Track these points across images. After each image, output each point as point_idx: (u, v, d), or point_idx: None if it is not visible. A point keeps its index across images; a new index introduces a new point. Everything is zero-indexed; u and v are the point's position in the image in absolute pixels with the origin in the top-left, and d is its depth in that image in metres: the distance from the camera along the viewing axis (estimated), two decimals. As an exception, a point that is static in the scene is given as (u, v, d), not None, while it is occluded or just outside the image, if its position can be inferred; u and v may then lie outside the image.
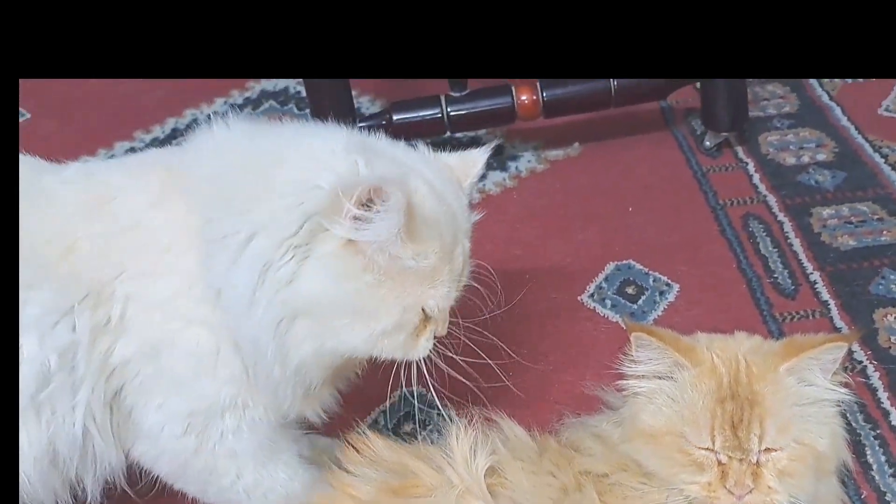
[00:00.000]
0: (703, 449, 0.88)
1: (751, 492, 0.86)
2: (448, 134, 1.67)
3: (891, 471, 1.07)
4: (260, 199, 0.83)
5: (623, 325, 1.04)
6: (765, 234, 1.47)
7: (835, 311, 1.31)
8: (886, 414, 1.14)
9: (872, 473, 1.07)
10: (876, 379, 1.19)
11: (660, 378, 0.91)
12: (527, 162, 1.70)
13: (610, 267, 1.44)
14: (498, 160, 1.70)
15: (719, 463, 0.87)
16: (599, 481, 0.91)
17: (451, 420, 1.01)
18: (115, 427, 0.91)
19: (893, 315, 1.29)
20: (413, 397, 1.24)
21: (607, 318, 1.35)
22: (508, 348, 1.30)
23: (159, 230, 0.88)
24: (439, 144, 1.74)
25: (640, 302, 1.37)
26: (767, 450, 0.87)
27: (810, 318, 1.30)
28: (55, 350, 0.84)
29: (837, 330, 1.27)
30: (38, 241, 0.85)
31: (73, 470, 0.90)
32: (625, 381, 0.93)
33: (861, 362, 1.22)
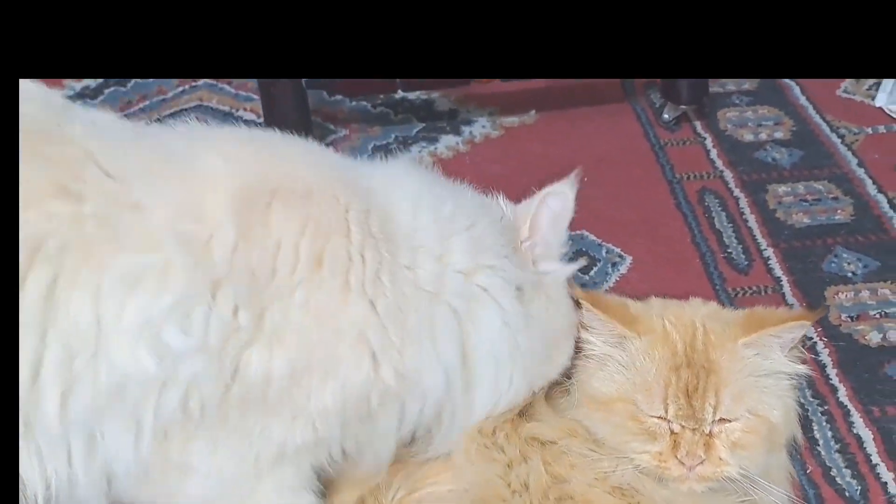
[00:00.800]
0: (655, 417, 0.85)
1: (702, 462, 0.84)
2: (400, 93, 1.62)
3: (837, 446, 1.06)
4: None
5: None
6: (720, 208, 1.44)
7: (787, 288, 1.29)
8: (834, 390, 1.12)
9: (819, 448, 1.06)
10: (825, 356, 1.17)
11: (610, 346, 0.89)
12: (481, 127, 1.65)
13: (563, 236, 1.40)
14: (451, 124, 1.65)
15: (671, 432, 0.85)
16: (547, 449, 0.88)
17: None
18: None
19: (844, 293, 1.27)
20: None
21: (558, 287, 1.31)
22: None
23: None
24: (391, 105, 1.70)
25: (591, 273, 1.33)
26: (721, 420, 0.85)
27: (763, 293, 1.29)
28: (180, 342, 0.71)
29: (789, 307, 1.26)
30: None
31: None
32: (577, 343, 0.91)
33: (811, 338, 1.20)
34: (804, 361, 0.90)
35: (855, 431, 1.07)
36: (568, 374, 0.93)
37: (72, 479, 0.72)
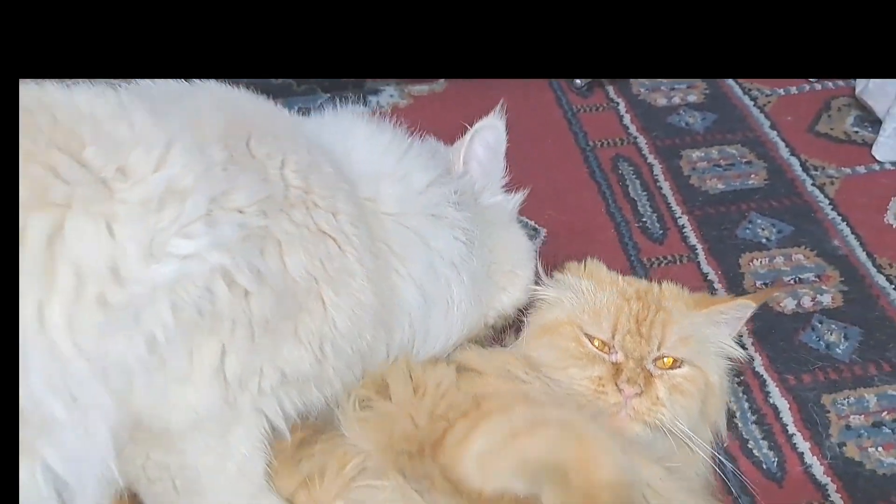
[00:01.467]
0: (599, 340, 0.87)
1: (639, 395, 0.84)
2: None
3: (753, 417, 1.04)
4: None
5: None
6: (634, 176, 1.41)
7: (702, 256, 1.26)
8: (750, 360, 1.10)
9: (735, 421, 1.03)
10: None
11: (564, 289, 0.94)
12: (388, 97, 1.57)
13: (474, 210, 1.34)
14: (357, 94, 1.57)
15: (614, 363, 0.86)
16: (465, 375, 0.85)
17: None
18: None
19: (759, 259, 1.25)
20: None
21: (470, 263, 1.26)
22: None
23: None
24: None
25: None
26: (663, 363, 0.87)
27: (678, 262, 1.26)
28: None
29: (704, 275, 1.23)
30: None
31: None
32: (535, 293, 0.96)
33: (726, 307, 1.18)
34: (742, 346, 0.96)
35: (771, 401, 1.06)
36: (522, 311, 0.96)
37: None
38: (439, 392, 0.81)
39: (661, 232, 1.31)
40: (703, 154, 1.45)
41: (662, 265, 1.25)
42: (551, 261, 1.21)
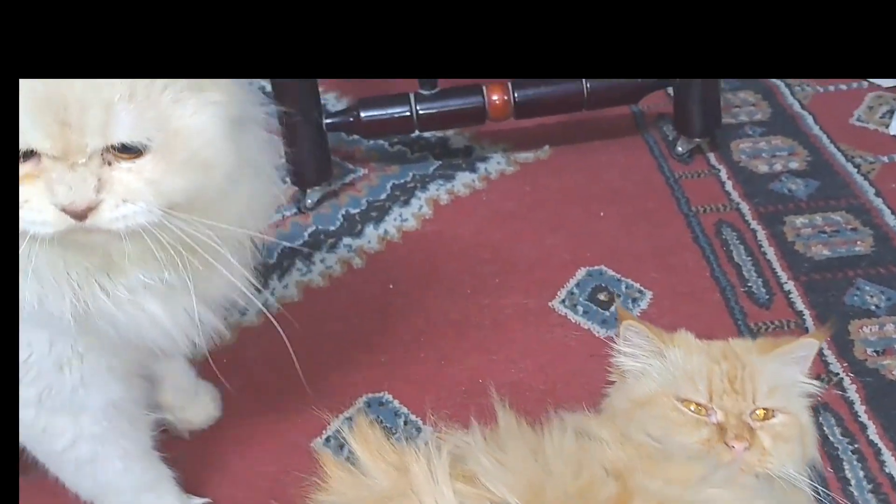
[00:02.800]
0: (698, 405, 0.91)
1: (748, 448, 0.88)
2: (416, 133, 1.62)
3: (869, 486, 1.05)
4: None
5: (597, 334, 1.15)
6: (738, 241, 1.44)
7: (809, 322, 1.28)
8: (864, 428, 1.11)
9: (851, 489, 1.04)
10: (853, 392, 1.16)
11: (649, 357, 0.97)
12: (496, 164, 1.65)
13: (581, 272, 1.40)
14: (467, 161, 1.65)
15: (716, 423, 0.90)
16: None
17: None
18: None
19: (869, 326, 1.27)
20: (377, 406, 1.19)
21: (578, 324, 1.31)
22: (477, 355, 1.26)
23: None
24: (407, 143, 1.71)
25: (612, 309, 1.33)
26: (758, 415, 0.91)
27: (785, 328, 1.28)
28: None
29: (812, 341, 1.25)
30: None
31: None
32: (614, 363, 1.00)
33: (837, 374, 1.19)
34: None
35: (887, 471, 1.06)
36: None
37: None
38: (566, 455, 0.84)
39: (767, 297, 1.33)
40: (806, 220, 1.47)
41: (770, 330, 1.27)
42: (658, 324, 1.26)
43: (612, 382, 1.03)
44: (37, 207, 0.66)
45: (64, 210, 0.66)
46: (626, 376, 0.99)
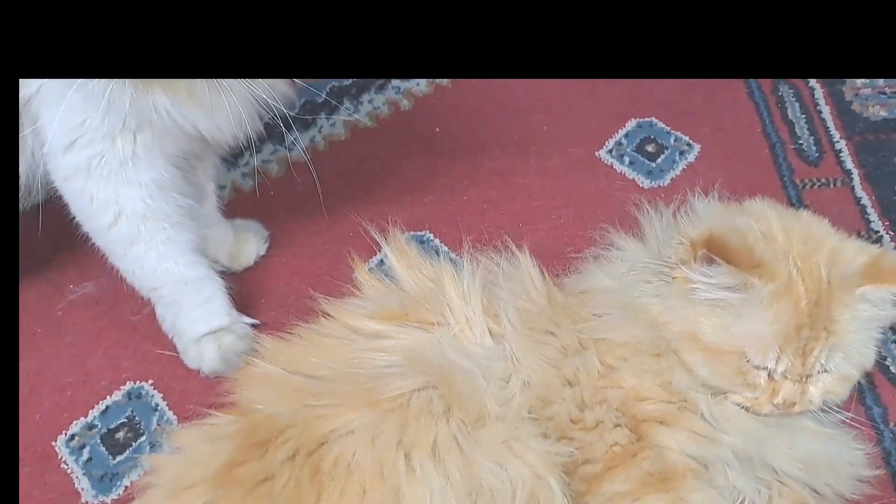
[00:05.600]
0: (761, 369, 0.83)
1: (794, 406, 0.84)
2: None
3: (893, 336, 1.08)
4: None
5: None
6: (794, 99, 1.42)
7: (857, 181, 1.28)
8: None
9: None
10: (891, 250, 1.18)
11: (729, 290, 0.81)
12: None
13: (631, 124, 1.40)
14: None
15: (771, 379, 0.83)
16: (609, 345, 0.88)
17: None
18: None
19: (917, 188, 1.26)
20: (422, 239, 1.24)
21: (623, 174, 1.33)
22: (521, 200, 1.30)
23: None
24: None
25: (658, 161, 1.34)
26: (823, 370, 0.84)
27: (831, 186, 1.28)
28: None
29: (857, 200, 1.25)
30: None
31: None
32: (686, 284, 0.83)
33: (878, 232, 1.20)
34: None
35: (915, 326, 1.09)
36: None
37: None
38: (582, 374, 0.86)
39: (816, 155, 1.33)
40: (867, 81, 1.43)
41: (815, 188, 1.28)
42: (708, 183, 1.25)
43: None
44: None
45: None
46: (700, 304, 0.83)
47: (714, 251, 0.79)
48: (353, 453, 0.80)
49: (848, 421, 0.90)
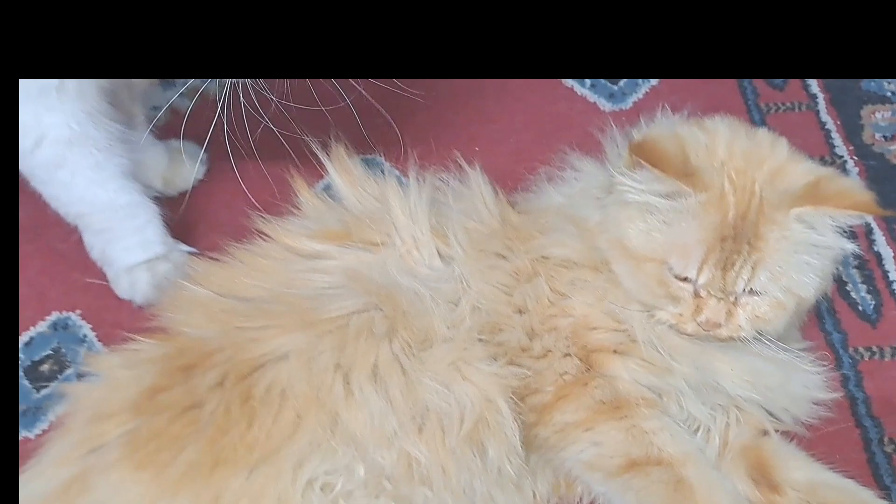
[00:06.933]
0: (682, 280, 0.79)
1: (719, 327, 0.80)
2: None
3: (855, 262, 1.05)
4: None
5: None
6: (760, 21, 1.36)
7: (822, 106, 1.24)
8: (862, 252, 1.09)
9: (837, 265, 1.05)
10: (854, 175, 1.15)
11: (659, 196, 0.78)
12: None
13: (592, 46, 1.34)
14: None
15: (696, 295, 0.79)
16: (556, 268, 0.85)
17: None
18: None
19: (881, 112, 1.22)
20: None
21: (585, 97, 1.27)
22: (479, 124, 1.24)
23: None
24: None
25: (621, 84, 1.29)
26: (751, 292, 0.79)
27: (796, 110, 1.24)
28: None
29: (822, 125, 1.21)
30: None
31: None
32: (621, 184, 0.79)
33: (842, 157, 1.17)
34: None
35: (875, 249, 1.06)
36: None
37: None
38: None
39: (782, 79, 1.28)
40: (836, 2, 1.39)
41: (780, 112, 1.23)
42: (672, 107, 1.19)
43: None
44: None
45: None
46: (629, 207, 0.80)
47: (645, 156, 0.76)
48: (287, 377, 0.75)
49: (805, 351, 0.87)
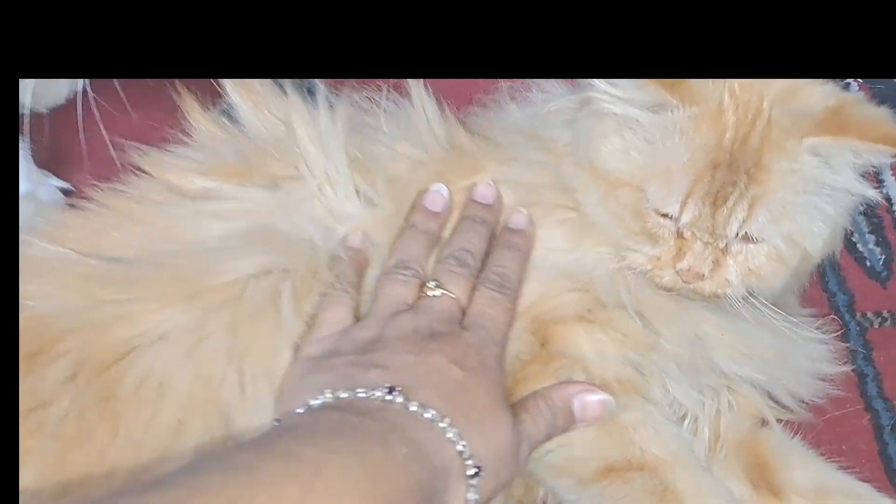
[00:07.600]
0: (663, 216, 0.63)
1: (702, 279, 0.64)
2: None
3: (862, 207, 0.87)
4: None
5: None
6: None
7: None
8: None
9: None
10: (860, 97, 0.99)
11: (640, 108, 0.63)
12: None
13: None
14: None
15: (679, 236, 0.63)
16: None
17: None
18: None
19: (890, 29, 1.06)
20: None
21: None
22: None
23: None
24: None
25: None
26: (745, 238, 0.63)
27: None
28: None
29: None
30: None
31: None
32: (594, 91, 0.63)
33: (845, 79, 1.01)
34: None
35: (885, 191, 0.92)
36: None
37: None
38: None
39: None
40: None
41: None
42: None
43: None
44: None
45: None
46: (607, 118, 0.65)
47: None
48: (163, 368, 0.58)
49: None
